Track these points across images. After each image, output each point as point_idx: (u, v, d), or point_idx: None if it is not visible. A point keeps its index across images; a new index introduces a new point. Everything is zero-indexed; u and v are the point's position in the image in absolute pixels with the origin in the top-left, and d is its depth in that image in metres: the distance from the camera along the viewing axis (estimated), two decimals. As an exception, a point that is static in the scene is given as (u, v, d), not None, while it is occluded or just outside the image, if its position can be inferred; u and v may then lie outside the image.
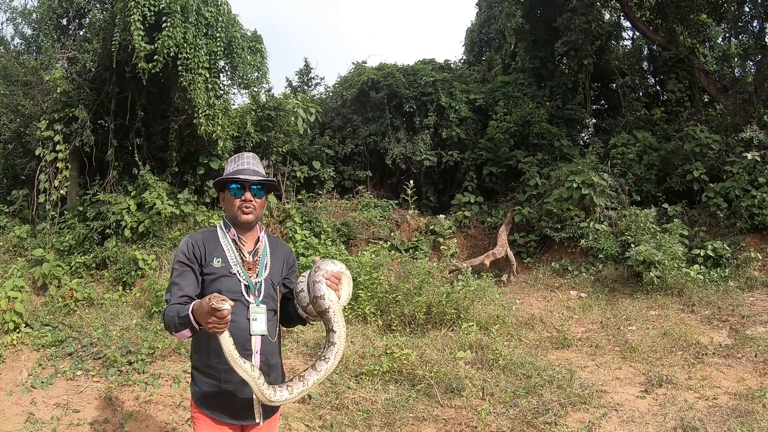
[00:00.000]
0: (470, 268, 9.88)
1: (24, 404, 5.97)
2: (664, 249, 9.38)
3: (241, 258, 3.04)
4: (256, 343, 2.92)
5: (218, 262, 2.98)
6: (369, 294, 8.45)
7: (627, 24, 17.04)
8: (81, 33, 12.17)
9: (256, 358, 2.89)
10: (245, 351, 2.81)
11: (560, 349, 7.32)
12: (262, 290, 3.01)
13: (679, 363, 6.52)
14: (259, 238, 3.16)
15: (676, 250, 9.49)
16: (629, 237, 10.35)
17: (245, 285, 2.97)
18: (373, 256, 9.95)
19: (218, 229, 3.14)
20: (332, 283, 2.76)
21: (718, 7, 15.38)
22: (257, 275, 3.03)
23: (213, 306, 2.41)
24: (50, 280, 9.32)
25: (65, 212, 11.40)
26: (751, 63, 16.15)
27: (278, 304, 3.08)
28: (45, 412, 5.79)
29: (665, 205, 11.62)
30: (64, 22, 12.37)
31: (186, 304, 2.76)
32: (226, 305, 2.41)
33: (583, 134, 15.94)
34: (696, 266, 9.69)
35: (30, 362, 6.89)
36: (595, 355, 7.01)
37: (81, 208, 11.27)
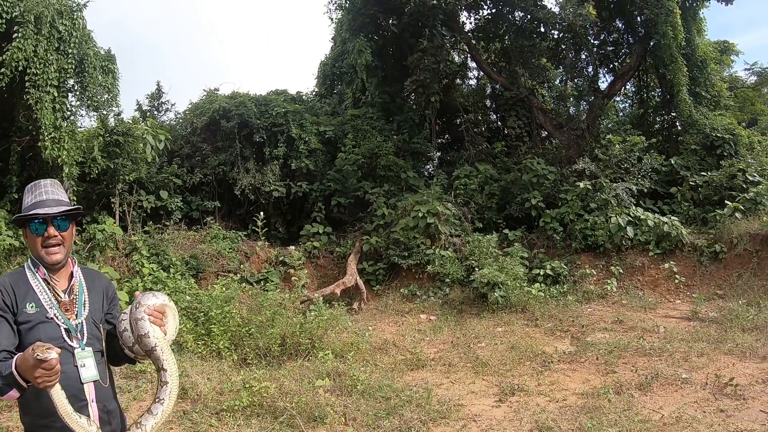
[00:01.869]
0: (321, 298, 9.89)
1: None
2: (506, 270, 10.03)
3: (56, 299, 2.69)
4: (90, 392, 2.63)
5: (32, 307, 2.63)
6: (222, 328, 8.24)
7: (473, 65, 18.16)
8: None
9: (93, 407, 2.62)
10: (80, 402, 2.55)
11: (415, 370, 7.48)
12: (85, 332, 2.69)
13: (528, 372, 6.92)
14: (72, 273, 2.81)
15: (517, 271, 10.20)
16: (473, 261, 10.93)
17: (65, 329, 2.64)
18: (223, 289, 9.61)
19: (26, 269, 2.76)
20: (156, 318, 2.53)
21: (558, 53, 16.94)
22: (76, 316, 2.70)
23: (38, 357, 2.12)
24: None
25: None
26: (584, 103, 18.15)
27: (104, 344, 2.79)
28: None
29: (506, 231, 12.48)
30: None
31: (5, 360, 2.41)
32: (53, 354, 2.14)
33: (428, 166, 16.62)
34: (537, 284, 10.48)
35: None
36: (449, 373, 7.23)
37: None
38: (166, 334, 2.57)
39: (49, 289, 2.69)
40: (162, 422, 2.51)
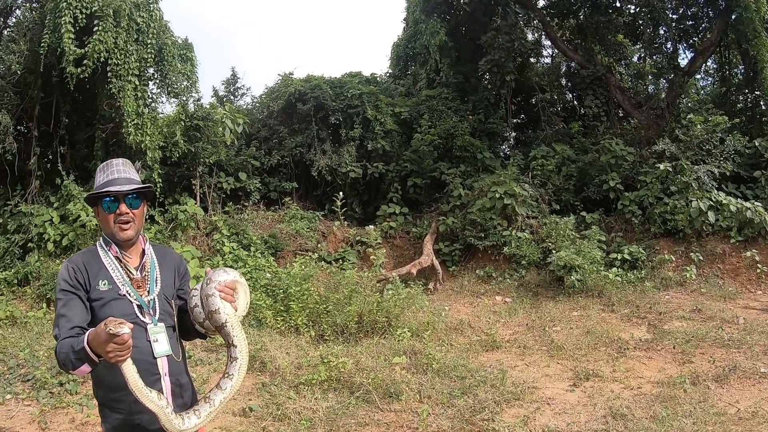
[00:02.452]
0: (398, 277, 9.97)
1: None
2: (583, 254, 9.89)
3: (128, 276, 2.74)
4: (162, 366, 2.66)
5: (104, 284, 2.67)
6: (300, 305, 8.41)
7: (548, 43, 17.73)
8: (6, 33, 11.58)
9: (166, 381, 2.66)
10: (153, 376, 2.59)
11: (490, 351, 7.54)
12: (157, 307, 2.73)
13: (604, 358, 6.88)
14: (144, 250, 2.85)
15: (594, 254, 10.02)
16: (550, 244, 10.84)
17: (138, 305, 2.68)
18: (302, 267, 9.88)
19: (98, 248, 2.80)
20: (227, 294, 2.55)
21: (635, 29, 16.34)
22: (148, 292, 2.75)
23: (111, 332, 2.13)
24: None
25: None
26: (663, 81, 17.38)
27: (176, 319, 2.83)
28: None
29: (583, 213, 12.27)
30: None
31: (78, 336, 2.44)
32: (125, 329, 2.15)
33: (504, 147, 16.45)
34: (614, 269, 10.28)
35: None
36: (524, 355, 7.27)
37: (1, 220, 10.79)
38: (236, 311, 2.59)
39: (121, 266, 2.74)
40: (230, 397, 2.55)
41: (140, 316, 2.64)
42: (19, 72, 10.56)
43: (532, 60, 17.59)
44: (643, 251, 10.80)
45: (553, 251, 10.37)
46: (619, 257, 10.68)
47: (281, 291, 8.95)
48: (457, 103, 15.24)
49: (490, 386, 6.07)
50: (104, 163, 2.87)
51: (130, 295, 2.67)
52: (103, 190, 2.70)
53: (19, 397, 6.28)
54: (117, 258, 2.74)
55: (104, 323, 2.17)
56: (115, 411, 2.62)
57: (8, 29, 11.66)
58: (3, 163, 10.82)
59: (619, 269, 10.40)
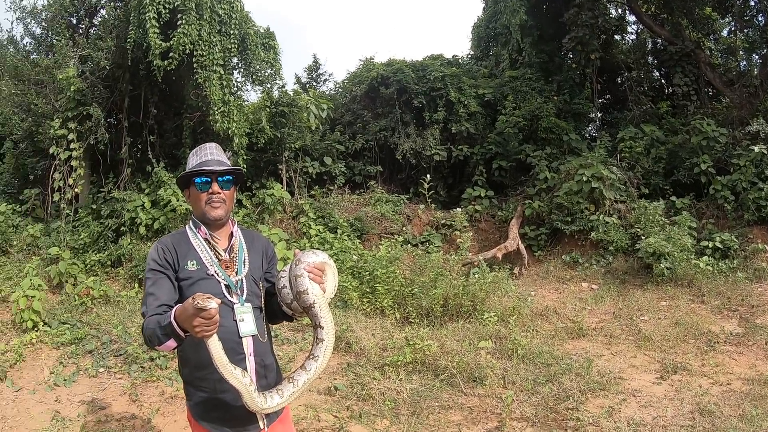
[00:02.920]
0: (484, 261, 9.93)
1: (48, 402, 5.97)
2: (673, 241, 9.61)
3: (217, 257, 2.79)
4: (248, 346, 2.69)
5: (193, 264, 2.73)
6: (386, 287, 8.51)
7: (632, 18, 17.05)
8: (93, 31, 12.24)
9: (251, 361, 2.69)
10: (238, 355, 2.62)
11: (576, 339, 7.47)
12: (245, 288, 2.76)
13: (692, 351, 6.70)
14: (232, 233, 2.90)
15: (685, 242, 9.71)
16: (639, 229, 10.57)
17: (225, 285, 2.73)
18: (388, 250, 9.98)
19: (187, 229, 2.87)
20: (315, 276, 2.54)
21: (724, 1, 15.41)
22: (236, 273, 2.79)
23: (198, 306, 2.15)
24: (66, 278, 9.31)
25: (79, 210, 11.49)
26: (756, 56, 16.38)
27: (263, 301, 2.85)
28: (70, 410, 5.80)
29: (673, 198, 11.85)
30: (75, 20, 12.48)
31: (165, 313, 2.50)
32: (213, 303, 2.17)
33: (590, 128, 16.07)
34: (705, 258, 9.88)
35: (50, 360, 6.90)
36: (610, 344, 7.17)
37: (95, 206, 11.41)
38: (324, 292, 2.58)
39: (210, 247, 2.79)
40: (315, 379, 2.56)
41: (227, 296, 2.70)
42: (107, 67, 11.13)
43: (616, 37, 16.94)
44: (735, 240, 10.28)
45: (642, 237, 10.09)
46: (710, 245, 10.24)
47: (367, 273, 9.10)
48: (541, 84, 15.01)
49: (575, 375, 6.02)
50: (197, 147, 2.96)
51: (218, 275, 2.73)
52: (197, 169, 2.80)
53: (111, 371, 6.62)
54: (206, 239, 2.81)
55: (192, 297, 2.20)
56: (200, 389, 2.69)
57: (94, 28, 12.34)
58: (96, 153, 11.52)
59: (710, 258, 9.95)
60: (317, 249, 2.63)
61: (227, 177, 2.83)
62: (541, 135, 13.82)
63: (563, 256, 11.36)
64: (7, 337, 7.45)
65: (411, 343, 6.57)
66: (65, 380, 6.39)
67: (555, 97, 14.69)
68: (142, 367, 6.63)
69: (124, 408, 5.84)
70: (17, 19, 13.05)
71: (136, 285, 9.58)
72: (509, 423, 5.11)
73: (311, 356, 2.52)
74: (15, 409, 5.82)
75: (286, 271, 2.66)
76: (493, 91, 15.17)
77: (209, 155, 2.86)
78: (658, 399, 5.49)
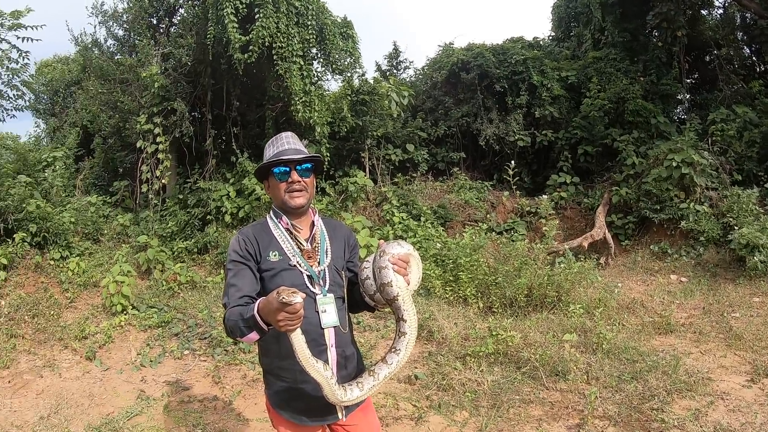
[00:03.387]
0: (569, 250, 9.82)
1: (134, 382, 6.32)
2: None
3: (299, 247, 2.77)
4: (329, 336, 2.70)
5: (275, 255, 2.72)
6: (469, 276, 8.50)
7: (718, -10, 15.99)
8: (173, 30, 12.83)
9: (332, 352, 2.69)
10: (320, 346, 2.64)
11: (663, 335, 7.29)
12: (327, 279, 2.75)
13: (787, 353, 6.36)
14: (314, 222, 2.89)
15: (781, 233, 9.20)
16: (731, 219, 10.14)
17: (308, 276, 2.71)
18: (472, 237, 9.99)
19: (268, 220, 2.87)
20: (400, 267, 2.48)
21: None
22: (319, 263, 2.77)
23: (283, 300, 2.14)
24: (154, 264, 9.88)
25: (166, 200, 12.15)
26: None
27: (345, 291, 2.84)
28: (155, 389, 6.12)
29: (768, 185, 11.18)
30: (155, 21, 13.14)
31: (247, 305, 2.50)
32: (298, 298, 2.15)
33: (678, 110, 15.36)
34: (802, 251, 9.32)
35: (138, 342, 7.36)
36: (699, 342, 6.95)
37: (181, 196, 12.00)
38: (408, 284, 2.53)
39: (291, 238, 2.78)
40: (396, 372, 2.57)
41: (310, 287, 2.69)
42: (189, 63, 11.67)
43: (703, 12, 15.89)
44: (838, 231, 9.56)
45: (735, 227, 9.68)
46: (808, 238, 9.64)
47: (450, 261, 9.11)
48: (626, 64, 14.43)
49: (662, 373, 5.83)
50: (273, 137, 2.97)
51: (300, 265, 2.72)
52: (275, 159, 2.79)
53: (196, 353, 7.01)
54: (287, 230, 2.80)
55: (276, 291, 2.18)
56: (280, 379, 2.72)
57: (174, 26, 12.88)
58: (182, 146, 12.09)
59: (808, 251, 9.34)
60: (401, 239, 2.57)
61: (306, 165, 2.82)
62: (628, 118, 13.35)
63: (651, 246, 11.03)
64: (97, 320, 7.98)
65: (494, 333, 6.55)
66: (151, 361, 6.82)
67: (641, 78, 14.11)
68: (225, 350, 6.94)
69: (206, 389, 6.11)
70: (99, 22, 13.85)
71: (221, 271, 9.89)
72: (591, 421, 5.02)
73: (393, 349, 2.51)
74: (102, 387, 6.24)
75: (369, 261, 2.66)
76: (577, 74, 14.77)
77: (286, 144, 2.86)
78: (747, 404, 5.28)
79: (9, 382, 6.33)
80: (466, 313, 7.93)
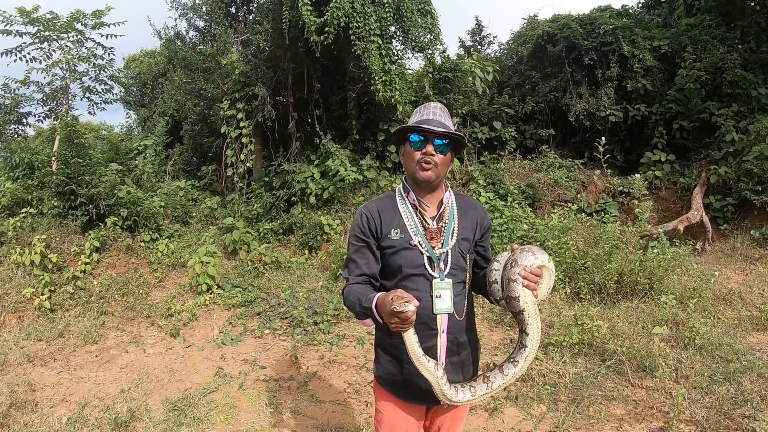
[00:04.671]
0: (664, 234, 9.44)
1: (214, 359, 6.57)
2: None
3: (423, 225, 2.67)
4: (441, 322, 2.63)
5: (396, 233, 2.65)
6: (558, 259, 8.33)
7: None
8: (250, 17, 13.22)
9: (443, 338, 2.63)
10: (430, 330, 2.60)
11: (761, 331, 6.90)
12: (449, 262, 2.65)
13: None
14: (442, 200, 2.76)
15: None
16: (841, 202, 9.32)
17: (428, 257, 2.63)
18: (560, 219, 9.79)
19: (396, 193, 2.79)
20: (531, 282, 2.39)
21: None
22: (442, 245, 2.67)
23: (395, 310, 2.19)
24: (240, 245, 10.22)
25: (252, 183, 12.57)
26: None
27: (468, 274, 2.73)
28: (233, 367, 6.32)
29: None
30: (233, 9, 13.57)
31: (364, 284, 2.62)
32: (411, 307, 2.18)
33: None
34: None
35: (221, 321, 7.67)
36: None
37: (267, 179, 12.33)
38: (537, 297, 2.46)
39: (417, 215, 2.69)
40: (510, 384, 2.55)
41: (428, 269, 2.63)
42: (267, 49, 11.89)
43: None
44: None
45: None
46: None
47: (538, 243, 8.91)
48: (722, 31, 13.46)
49: (757, 375, 5.52)
50: (424, 104, 2.84)
51: (421, 245, 2.64)
52: (415, 125, 2.68)
53: (276, 333, 7.26)
54: (414, 206, 2.72)
55: (392, 297, 2.22)
56: (389, 355, 2.74)
57: (251, 14, 13.25)
58: (264, 130, 12.45)
59: None
60: (537, 246, 2.50)
61: (444, 140, 2.67)
62: (726, 90, 12.53)
63: (752, 232, 10.38)
64: (183, 299, 8.43)
65: (579, 322, 6.44)
66: (232, 339, 7.10)
67: (739, 46, 13.17)
68: (305, 330, 7.18)
69: (283, 369, 6.27)
70: (179, 15, 14.51)
71: (306, 252, 10.29)
72: (676, 425, 4.84)
73: (511, 360, 2.49)
74: (183, 363, 6.58)
75: (499, 263, 2.56)
76: (670, 42, 13.95)
77: (431, 114, 2.72)
78: None
79: (96, 356, 6.82)
80: (552, 298, 7.75)
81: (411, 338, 2.36)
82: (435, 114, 2.72)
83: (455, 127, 3.10)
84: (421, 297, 2.54)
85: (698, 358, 6.01)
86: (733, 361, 5.94)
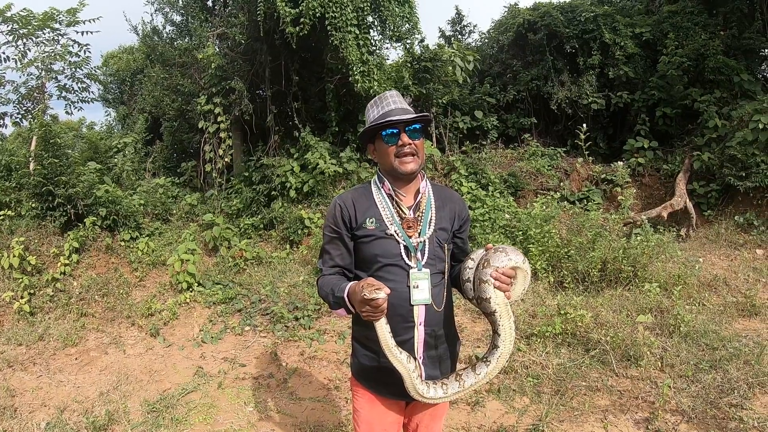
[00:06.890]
0: (647, 221, 9.24)
1: (194, 358, 6.45)
2: None
3: (399, 215, 2.60)
4: (419, 314, 2.54)
5: (371, 222, 2.58)
6: (540, 249, 8.25)
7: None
8: (226, 10, 12.84)
9: (420, 330, 2.55)
10: (407, 323, 2.53)
11: (747, 318, 6.84)
12: (426, 251, 2.57)
13: None
14: (419, 189, 2.68)
15: None
16: (824, 188, 9.33)
17: (404, 246, 2.55)
18: (543, 207, 9.65)
19: (372, 184, 2.72)
20: (502, 283, 2.30)
21: None
22: (419, 234, 2.58)
23: (365, 297, 2.15)
24: (220, 242, 10.06)
25: (232, 178, 12.39)
26: None
27: (446, 265, 2.65)
28: (213, 366, 6.22)
29: None
30: (209, 3, 13.23)
31: (337, 275, 2.59)
32: (381, 294, 2.14)
33: (763, 67, 14.15)
34: None
35: (201, 319, 7.50)
36: None
37: (246, 174, 12.15)
38: (510, 298, 2.37)
39: (393, 204, 2.62)
40: (482, 384, 2.47)
41: (405, 259, 2.55)
42: (243, 42, 11.71)
43: None
44: None
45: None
46: None
47: (520, 233, 8.89)
48: (704, 18, 13.40)
49: (744, 363, 5.43)
50: (375, 98, 2.74)
51: (397, 234, 2.57)
52: (382, 121, 2.58)
53: (257, 329, 7.12)
54: (389, 195, 2.65)
55: (362, 285, 2.20)
56: (366, 348, 2.67)
57: (227, 7, 12.88)
58: (243, 124, 12.25)
59: None
60: (511, 246, 2.44)
61: (415, 126, 2.60)
62: (709, 76, 12.49)
63: (736, 217, 10.36)
64: (164, 298, 8.23)
65: (562, 312, 6.37)
66: (212, 338, 6.96)
67: (722, 33, 13.10)
68: (286, 326, 7.04)
69: (263, 367, 6.17)
70: (156, 10, 14.19)
71: (288, 246, 10.14)
72: (662, 415, 4.70)
73: (484, 360, 2.42)
74: (163, 363, 6.42)
75: (473, 261, 2.50)
76: (651, 30, 13.87)
77: (392, 104, 2.64)
78: (837, 403, 4.80)
79: (76, 359, 6.63)
80: (535, 288, 7.69)
81: (383, 328, 2.31)
82: (395, 103, 2.64)
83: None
84: (398, 288, 2.49)
85: (683, 346, 5.93)
86: (719, 349, 5.86)
